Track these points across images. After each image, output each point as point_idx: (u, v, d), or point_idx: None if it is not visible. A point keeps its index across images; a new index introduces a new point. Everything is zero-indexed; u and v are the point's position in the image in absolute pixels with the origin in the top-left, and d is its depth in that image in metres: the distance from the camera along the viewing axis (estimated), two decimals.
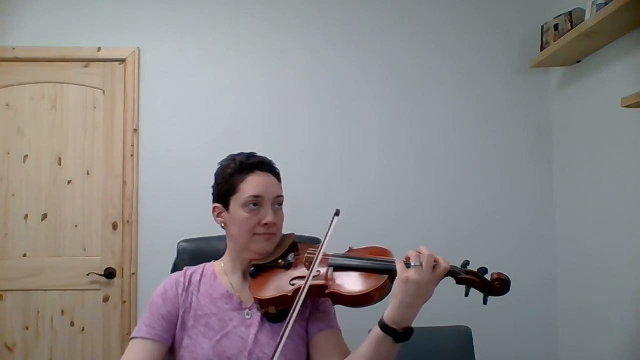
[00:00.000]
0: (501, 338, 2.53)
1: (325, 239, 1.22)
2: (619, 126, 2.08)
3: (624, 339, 2.06)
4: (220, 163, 1.37)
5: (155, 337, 1.25)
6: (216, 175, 1.36)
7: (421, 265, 1.08)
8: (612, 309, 2.12)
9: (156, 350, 1.25)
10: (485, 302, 1.12)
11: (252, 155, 1.36)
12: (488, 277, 1.13)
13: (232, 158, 1.35)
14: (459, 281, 1.13)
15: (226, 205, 1.32)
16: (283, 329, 1.08)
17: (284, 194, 1.36)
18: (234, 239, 1.34)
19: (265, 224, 1.29)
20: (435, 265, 1.09)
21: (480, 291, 1.13)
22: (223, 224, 1.35)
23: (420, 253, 1.11)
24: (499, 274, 1.12)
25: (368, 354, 1.13)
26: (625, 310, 2.04)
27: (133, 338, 1.26)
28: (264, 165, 1.34)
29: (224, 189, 1.32)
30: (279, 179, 1.37)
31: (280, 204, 1.35)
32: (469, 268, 1.14)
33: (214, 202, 1.36)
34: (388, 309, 1.12)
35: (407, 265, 1.11)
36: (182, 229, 1.94)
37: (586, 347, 2.33)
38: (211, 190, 1.37)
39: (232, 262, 1.36)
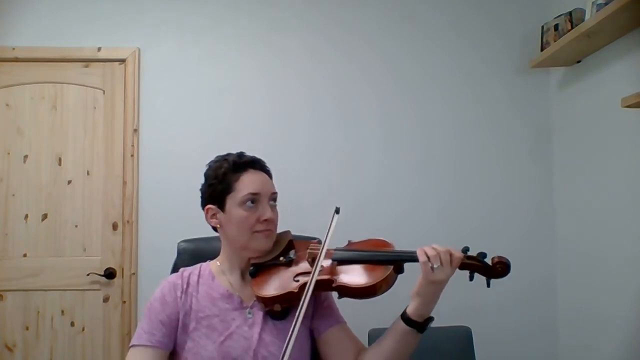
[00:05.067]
0: (501, 338, 2.53)
1: (326, 237, 1.23)
2: (619, 126, 2.08)
3: (624, 339, 2.06)
4: (209, 164, 1.36)
5: (155, 343, 1.24)
6: (207, 175, 1.35)
7: (442, 264, 1.13)
8: (612, 309, 2.12)
9: (157, 357, 1.24)
10: (488, 285, 1.18)
11: (242, 154, 1.36)
12: (488, 260, 1.18)
13: (224, 158, 1.35)
14: (463, 267, 1.17)
15: (221, 206, 1.31)
16: (292, 328, 1.09)
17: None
18: (231, 239, 1.33)
19: (265, 220, 1.29)
20: (451, 259, 1.14)
21: (483, 275, 1.18)
22: (218, 225, 1.33)
23: (436, 251, 1.14)
24: (499, 257, 1.18)
25: (394, 346, 1.18)
26: (625, 310, 2.04)
27: (133, 346, 1.25)
28: (256, 164, 1.35)
29: (219, 188, 1.31)
30: (271, 177, 1.38)
31: (275, 200, 1.36)
32: (469, 254, 1.19)
33: (206, 203, 1.34)
34: (412, 306, 1.17)
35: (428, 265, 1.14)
36: (182, 229, 1.94)
37: (586, 347, 2.33)
38: (200, 193, 1.36)
39: (229, 261, 1.35)
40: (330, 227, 1.24)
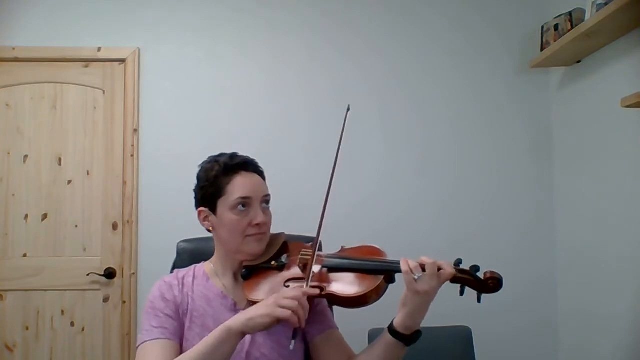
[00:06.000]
0: (501, 338, 2.53)
1: (340, 139, 1.32)
2: (619, 126, 2.08)
3: (623, 339, 2.06)
4: (201, 165, 1.34)
5: (169, 336, 1.21)
6: (199, 177, 1.33)
7: (426, 275, 1.10)
8: (612, 308, 2.12)
9: (175, 348, 1.20)
10: (479, 300, 1.14)
11: (234, 155, 1.33)
12: (480, 275, 1.15)
13: (215, 160, 1.32)
14: (454, 280, 1.14)
15: (213, 209, 1.29)
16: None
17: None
18: (223, 242, 1.32)
19: (257, 225, 1.28)
20: (440, 271, 1.11)
21: (475, 290, 1.14)
22: (210, 228, 1.32)
23: (421, 263, 1.12)
24: (492, 272, 1.14)
25: (381, 355, 1.16)
26: (625, 310, 2.04)
27: (145, 342, 1.20)
28: (249, 165, 1.32)
29: (210, 192, 1.29)
30: (264, 178, 1.35)
31: (268, 203, 1.33)
32: (461, 267, 1.15)
33: (199, 205, 1.32)
34: (398, 317, 1.14)
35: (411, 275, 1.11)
36: (182, 229, 1.93)
37: (586, 347, 2.33)
38: (194, 194, 1.34)
39: (222, 263, 1.34)
40: (343, 127, 1.30)
